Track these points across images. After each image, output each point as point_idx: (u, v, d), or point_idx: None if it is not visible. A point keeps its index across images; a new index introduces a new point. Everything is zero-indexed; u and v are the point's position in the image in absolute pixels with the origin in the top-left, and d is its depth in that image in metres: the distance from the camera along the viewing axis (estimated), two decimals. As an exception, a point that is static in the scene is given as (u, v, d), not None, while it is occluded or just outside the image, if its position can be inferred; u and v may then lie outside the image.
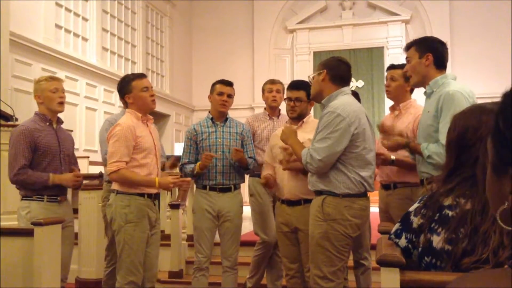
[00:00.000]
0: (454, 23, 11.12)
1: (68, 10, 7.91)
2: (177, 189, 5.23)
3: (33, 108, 3.28)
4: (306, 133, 2.92)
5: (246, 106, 11.46)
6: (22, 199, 3.09)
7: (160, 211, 3.27)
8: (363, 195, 2.58)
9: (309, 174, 2.66)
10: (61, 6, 7.72)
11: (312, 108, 3.36)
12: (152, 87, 3.11)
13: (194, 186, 3.57)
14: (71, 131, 4.21)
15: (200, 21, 12.70)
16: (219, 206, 3.30)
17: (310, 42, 12.10)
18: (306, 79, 3.00)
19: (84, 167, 6.58)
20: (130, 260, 2.88)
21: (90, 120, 8.36)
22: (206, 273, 3.31)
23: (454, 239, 1.33)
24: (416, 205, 1.49)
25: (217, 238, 3.42)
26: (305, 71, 10.89)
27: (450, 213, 1.37)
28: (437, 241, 1.36)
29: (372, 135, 2.65)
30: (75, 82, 8.03)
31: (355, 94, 3.11)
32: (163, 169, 3.55)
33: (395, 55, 10.89)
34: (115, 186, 2.96)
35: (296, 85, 3.12)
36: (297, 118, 3.08)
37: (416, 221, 1.44)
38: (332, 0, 12.07)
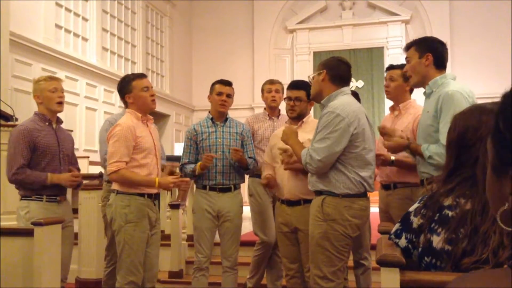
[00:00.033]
0: (454, 23, 11.12)
1: (68, 10, 7.91)
2: (177, 189, 5.24)
3: (33, 108, 3.29)
4: (305, 133, 2.92)
5: (246, 106, 11.46)
6: (21, 199, 3.10)
7: (160, 211, 3.26)
8: (363, 195, 2.58)
9: (309, 174, 2.66)
10: (61, 6, 7.72)
11: (312, 108, 3.36)
12: (152, 87, 3.11)
13: (194, 186, 3.57)
14: (71, 131, 4.21)
15: (200, 21, 12.70)
16: (219, 206, 3.30)
17: (310, 42, 12.10)
18: (306, 79, 3.00)
19: (84, 167, 6.58)
20: (130, 260, 2.88)
21: (90, 120, 8.36)
22: (206, 273, 3.31)
23: (454, 239, 1.33)
24: (416, 205, 1.49)
25: (217, 238, 3.42)
26: (305, 71, 10.89)
27: (450, 213, 1.37)
28: (437, 241, 1.36)
29: (372, 135, 2.65)
30: (75, 82, 8.03)
31: (355, 94, 3.11)
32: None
33: (395, 55, 10.89)
34: (115, 186, 2.96)
35: (296, 84, 3.12)
36: (297, 118, 3.08)
37: (416, 221, 1.44)
38: (332, 0, 12.07)
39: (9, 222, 3.50)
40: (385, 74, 3.34)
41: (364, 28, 11.77)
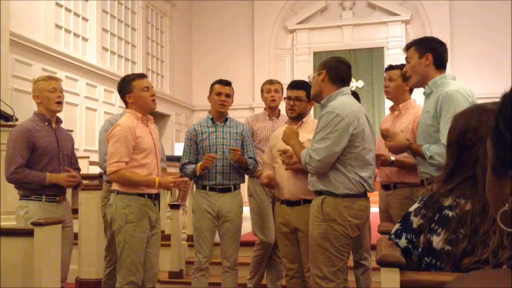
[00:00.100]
0: (454, 23, 11.12)
1: (68, 10, 7.91)
2: (177, 189, 5.23)
3: (33, 108, 3.29)
4: (305, 133, 2.92)
5: (246, 106, 11.46)
6: (20, 199, 3.10)
7: (160, 211, 3.26)
8: (363, 195, 2.58)
9: (309, 174, 2.66)
10: (61, 6, 7.71)
11: (312, 108, 3.36)
12: (152, 87, 3.11)
13: (194, 186, 3.57)
14: (71, 131, 4.20)
15: (200, 21, 12.70)
16: (219, 206, 3.30)
17: (310, 42, 12.10)
18: (306, 79, 3.00)
19: (84, 167, 6.58)
20: (130, 260, 2.88)
21: (90, 120, 8.36)
22: (206, 273, 3.31)
23: (454, 239, 1.33)
24: (416, 205, 1.49)
25: (217, 238, 3.42)
26: (305, 71, 10.89)
27: (450, 214, 1.37)
28: (437, 241, 1.36)
29: (372, 135, 2.65)
30: (75, 82, 8.03)
31: (354, 94, 3.11)
32: None
33: (395, 55, 10.89)
34: (115, 186, 2.96)
35: (296, 84, 3.13)
36: (297, 117, 3.08)
37: (416, 221, 1.44)
38: (332, 0, 12.07)
39: (8, 222, 3.50)
40: (384, 75, 3.34)
41: (364, 28, 11.76)
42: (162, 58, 11.36)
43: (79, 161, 3.57)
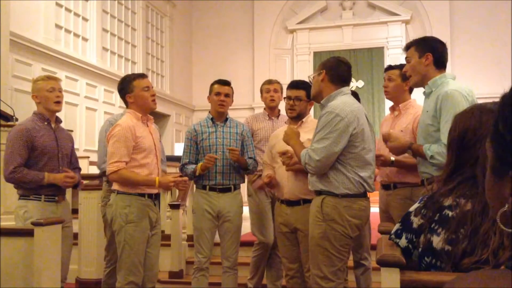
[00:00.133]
0: (454, 23, 11.12)
1: (68, 10, 7.91)
2: (177, 189, 5.23)
3: (33, 108, 3.29)
4: (305, 133, 2.92)
5: (246, 106, 11.46)
6: (19, 199, 3.10)
7: (160, 211, 3.27)
8: (363, 195, 2.58)
9: (309, 174, 2.66)
10: (61, 6, 7.71)
11: (312, 108, 3.36)
12: (153, 87, 3.11)
13: (194, 186, 3.57)
14: (71, 131, 4.20)
15: (200, 21, 12.70)
16: (219, 206, 3.30)
17: (310, 42, 12.10)
18: (306, 79, 3.00)
19: (84, 167, 6.58)
20: (131, 260, 2.88)
21: (90, 120, 8.36)
22: (206, 273, 3.31)
23: (454, 239, 1.33)
24: (416, 205, 1.49)
25: (217, 238, 3.42)
26: (305, 71, 10.89)
27: (450, 214, 1.37)
28: (437, 241, 1.36)
29: (372, 135, 2.64)
30: (75, 82, 8.03)
31: (354, 94, 3.11)
32: None
33: (395, 55, 10.89)
34: (115, 186, 2.96)
35: (296, 84, 3.13)
36: (297, 117, 3.08)
37: (416, 221, 1.44)
38: (332, 0, 12.06)
39: (7, 222, 3.50)
40: (384, 75, 3.35)
41: (364, 28, 11.76)
42: (162, 58, 11.36)
43: (79, 161, 3.56)
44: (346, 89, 2.68)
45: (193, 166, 3.30)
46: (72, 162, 3.35)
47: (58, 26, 7.65)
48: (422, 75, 2.66)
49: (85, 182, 4.50)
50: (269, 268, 3.80)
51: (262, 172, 3.64)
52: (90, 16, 8.48)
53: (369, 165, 2.57)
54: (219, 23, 12.52)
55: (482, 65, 10.73)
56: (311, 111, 3.36)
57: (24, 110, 5.58)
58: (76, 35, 8.15)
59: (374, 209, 3.00)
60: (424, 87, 2.69)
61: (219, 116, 3.42)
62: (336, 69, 2.67)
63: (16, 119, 4.28)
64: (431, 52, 2.63)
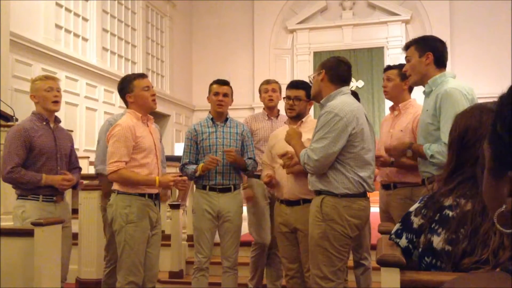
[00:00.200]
0: (454, 23, 11.12)
1: (68, 10, 7.91)
2: (177, 189, 5.23)
3: (33, 109, 3.29)
4: (305, 133, 2.91)
5: (246, 106, 11.46)
6: (17, 198, 3.09)
7: (160, 211, 3.26)
8: (362, 195, 2.58)
9: (309, 174, 2.66)
10: (61, 6, 7.71)
11: (312, 108, 3.36)
12: (153, 87, 3.11)
13: (194, 186, 3.57)
14: (71, 131, 4.20)
15: (200, 21, 12.70)
16: (219, 206, 3.30)
17: (310, 42, 12.10)
18: (306, 79, 3.00)
19: (84, 167, 6.57)
20: (131, 260, 2.88)
21: (90, 120, 8.36)
22: (206, 273, 3.31)
23: (454, 239, 1.33)
24: (416, 205, 1.49)
25: (217, 238, 3.42)
26: (305, 71, 10.90)
27: (451, 214, 1.37)
28: (437, 241, 1.36)
29: (372, 135, 2.64)
30: (75, 82, 8.03)
31: (354, 94, 3.11)
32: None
33: (395, 55, 10.89)
34: (116, 186, 2.96)
35: (296, 84, 3.13)
36: (296, 117, 3.08)
37: (416, 221, 1.44)
38: (332, 0, 12.07)
39: (6, 222, 3.49)
40: (383, 75, 3.35)
41: (364, 28, 11.77)
42: (162, 58, 11.36)
43: (79, 161, 3.56)
44: (345, 89, 2.68)
45: (194, 166, 3.30)
46: (72, 161, 3.35)
47: (58, 26, 7.65)
48: (422, 74, 2.66)
49: (85, 182, 4.50)
50: (269, 268, 3.80)
51: (247, 183, 3.66)
52: (90, 16, 8.48)
53: (368, 165, 2.57)
54: (219, 23, 12.52)
55: (482, 65, 10.73)
56: (311, 111, 3.36)
57: (24, 110, 5.58)
58: (76, 35, 8.15)
59: (374, 209, 3.00)
60: (423, 86, 2.69)
61: (219, 116, 3.42)
62: (336, 69, 2.67)
63: (16, 119, 4.28)
64: (431, 51, 2.63)
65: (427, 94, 2.66)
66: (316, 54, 12.03)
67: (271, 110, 3.92)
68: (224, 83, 3.43)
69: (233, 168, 3.34)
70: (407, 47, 2.74)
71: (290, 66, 12.23)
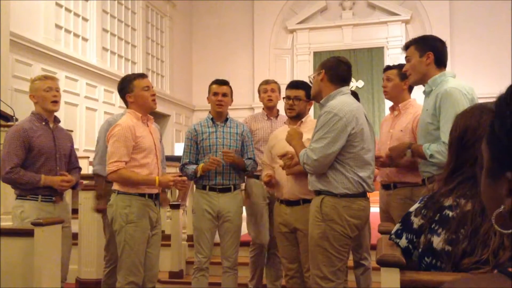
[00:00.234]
0: (454, 23, 11.12)
1: (68, 10, 7.90)
2: (177, 189, 5.23)
3: (33, 109, 3.29)
4: (304, 133, 2.91)
5: (246, 106, 11.46)
6: (16, 198, 3.09)
7: (160, 211, 3.26)
8: (362, 195, 2.57)
9: (309, 174, 2.66)
10: (61, 6, 7.71)
11: (312, 108, 3.36)
12: (153, 87, 3.11)
13: (194, 186, 3.57)
14: (71, 131, 4.20)
15: (200, 21, 12.70)
16: (219, 206, 3.30)
17: (310, 42, 12.10)
18: (306, 79, 3.00)
19: (85, 167, 6.58)
20: (131, 260, 2.88)
21: (90, 120, 8.36)
22: (206, 273, 3.31)
23: (454, 239, 1.33)
24: (416, 205, 1.49)
25: (217, 238, 3.42)
26: (305, 71, 10.90)
27: (451, 214, 1.37)
28: (437, 241, 1.36)
29: (371, 135, 2.64)
30: (75, 82, 8.02)
31: (354, 94, 3.11)
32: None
33: (395, 55, 10.89)
34: (116, 186, 2.96)
35: (295, 84, 3.13)
36: (296, 117, 3.07)
37: (416, 221, 1.44)
38: (332, 0, 12.07)
39: (6, 222, 3.49)
40: (383, 75, 3.35)
41: (364, 28, 11.77)
42: (162, 58, 11.36)
43: (79, 161, 3.56)
44: (345, 89, 2.68)
45: (194, 166, 3.30)
46: (72, 161, 3.35)
47: (58, 26, 7.65)
48: (423, 74, 2.66)
49: (84, 182, 4.50)
50: (269, 268, 3.80)
51: (244, 187, 3.66)
52: (90, 16, 8.48)
53: (368, 165, 2.57)
54: (219, 23, 12.52)
55: (482, 65, 10.73)
56: (311, 111, 3.36)
57: (24, 110, 5.57)
58: (76, 35, 8.15)
59: (374, 209, 3.00)
60: (423, 85, 2.69)
61: (219, 116, 3.42)
62: (336, 69, 2.67)
63: (16, 119, 4.28)
64: (432, 51, 2.63)
65: (427, 93, 2.66)
66: (316, 54, 12.03)
67: (270, 110, 3.92)
68: (223, 83, 3.43)
69: (233, 168, 3.33)
70: (407, 47, 2.74)
71: (290, 66, 12.23)
